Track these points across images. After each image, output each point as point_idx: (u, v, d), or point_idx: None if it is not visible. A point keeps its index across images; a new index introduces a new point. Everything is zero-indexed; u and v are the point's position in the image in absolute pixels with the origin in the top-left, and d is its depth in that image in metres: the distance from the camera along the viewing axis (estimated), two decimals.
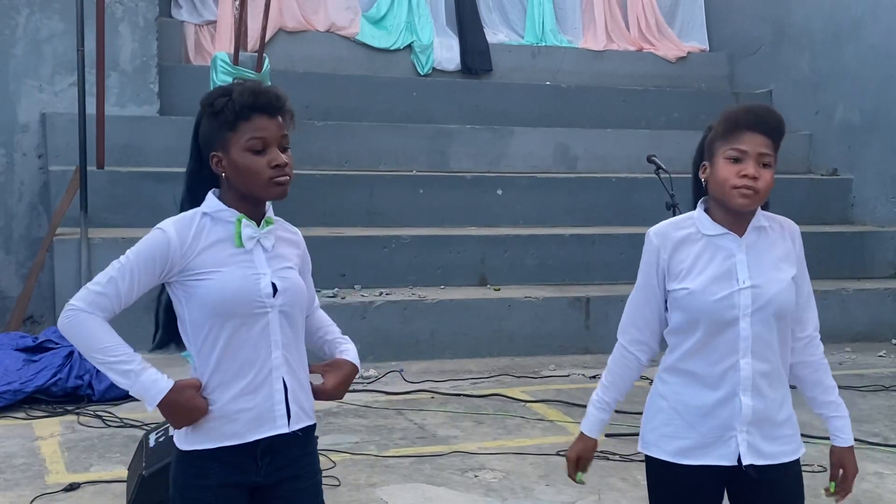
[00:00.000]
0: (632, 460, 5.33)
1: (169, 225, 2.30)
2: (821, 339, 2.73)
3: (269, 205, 2.43)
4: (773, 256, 2.61)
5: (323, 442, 5.47)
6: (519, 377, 7.31)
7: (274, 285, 2.34)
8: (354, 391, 6.73)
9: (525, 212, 9.50)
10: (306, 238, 8.78)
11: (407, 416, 6.20)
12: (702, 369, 2.58)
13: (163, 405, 2.25)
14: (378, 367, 7.36)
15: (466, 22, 11.33)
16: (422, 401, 6.58)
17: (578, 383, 7.17)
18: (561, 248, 8.97)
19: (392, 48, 10.99)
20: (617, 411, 6.58)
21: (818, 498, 3.50)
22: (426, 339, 7.84)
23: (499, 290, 8.46)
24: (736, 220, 2.57)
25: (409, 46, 11.06)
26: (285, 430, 2.35)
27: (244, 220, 2.33)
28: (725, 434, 2.58)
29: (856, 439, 5.79)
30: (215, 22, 10.27)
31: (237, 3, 8.09)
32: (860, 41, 10.18)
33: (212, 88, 7.95)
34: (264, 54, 8.10)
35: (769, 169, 2.52)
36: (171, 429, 2.44)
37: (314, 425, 2.48)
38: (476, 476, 5.08)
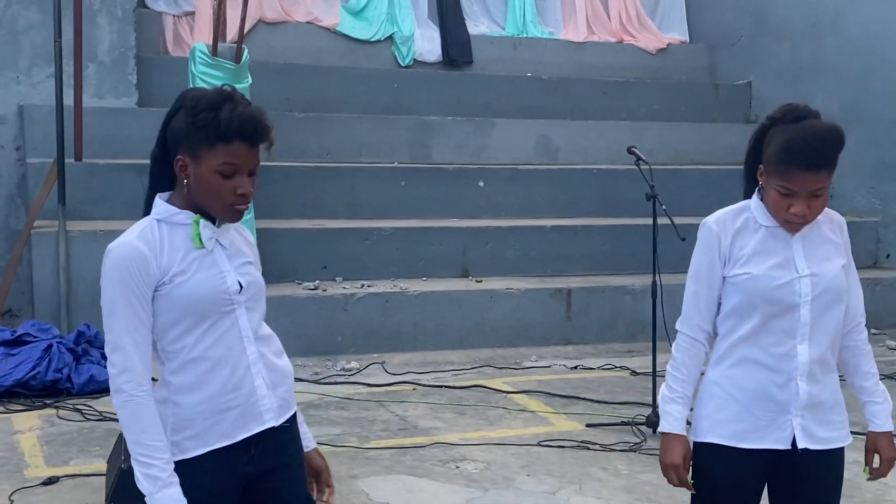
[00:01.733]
0: (612, 450, 5.38)
1: (132, 240, 2.25)
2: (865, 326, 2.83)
3: None
4: (825, 247, 2.69)
5: None
6: (501, 368, 7.33)
7: (239, 282, 2.32)
8: (337, 383, 6.77)
9: (507, 203, 9.50)
10: (288, 230, 8.79)
11: (388, 408, 6.21)
12: (758, 354, 2.64)
13: None
14: (360, 360, 7.38)
15: (448, 13, 11.31)
16: (403, 392, 6.59)
17: (560, 374, 7.21)
18: (542, 240, 8.99)
19: (373, 39, 10.96)
20: (598, 401, 6.67)
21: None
22: (408, 330, 7.85)
23: (480, 281, 8.47)
24: (793, 231, 2.65)
25: (390, 38, 11.03)
26: (274, 423, 2.35)
27: (202, 221, 2.29)
28: (780, 418, 2.63)
29: None
30: (194, 13, 10.22)
31: None
32: (840, 33, 10.23)
33: (197, 84, 7.94)
34: (243, 45, 8.05)
35: (821, 197, 2.57)
36: None
37: (294, 414, 2.48)
38: (457, 467, 5.10)
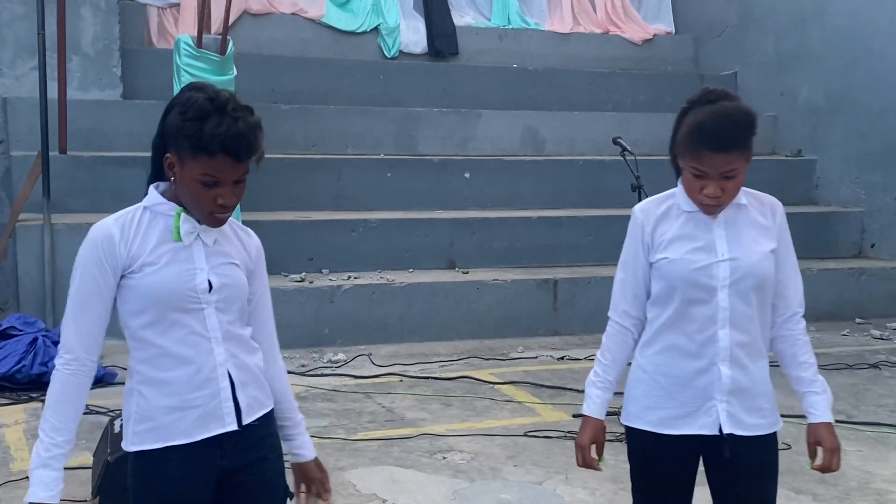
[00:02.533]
0: None
1: (112, 222, 2.24)
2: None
3: None
4: (751, 231, 2.67)
5: None
6: (487, 359, 7.33)
7: (210, 282, 2.25)
8: (324, 375, 6.77)
9: (493, 195, 9.51)
10: (273, 222, 8.75)
11: (375, 400, 6.20)
12: (681, 340, 2.64)
13: None
14: (347, 351, 7.38)
15: (433, 4, 11.30)
16: (390, 384, 6.59)
17: (547, 365, 7.22)
18: (529, 231, 9.00)
19: (358, 31, 10.95)
20: (579, 391, 6.64)
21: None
22: (395, 322, 7.85)
23: (467, 272, 8.48)
24: (709, 213, 2.64)
25: (376, 29, 11.03)
26: (234, 427, 2.29)
27: (183, 215, 2.24)
28: (706, 404, 2.63)
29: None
30: (178, 4, 10.20)
31: None
32: (824, 23, 10.26)
33: (182, 77, 7.85)
34: (228, 37, 8.02)
35: (734, 179, 2.55)
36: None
37: (270, 411, 2.43)
38: (444, 458, 5.10)
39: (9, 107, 8.67)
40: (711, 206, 2.59)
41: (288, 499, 2.49)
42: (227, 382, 2.28)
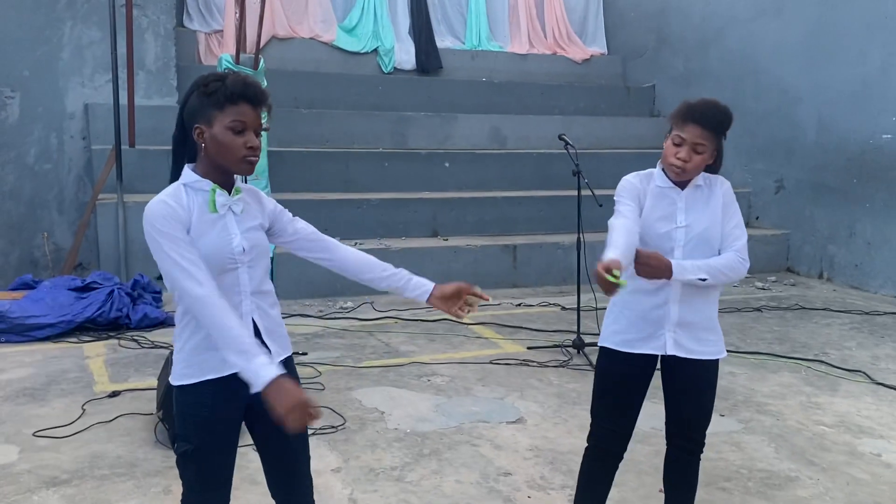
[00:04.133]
0: (546, 366, 5.45)
1: (164, 197, 2.12)
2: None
3: (237, 177, 2.25)
4: (703, 205, 2.73)
5: (311, 357, 5.54)
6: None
7: (243, 245, 2.18)
8: (336, 318, 6.79)
9: (467, 180, 9.52)
10: (296, 201, 8.70)
11: (376, 337, 6.24)
12: (645, 283, 2.67)
13: (268, 391, 1.99)
14: (354, 300, 7.40)
15: (421, 30, 11.25)
16: (388, 325, 6.63)
17: (507, 310, 7.27)
18: (494, 208, 9.02)
19: (362, 52, 10.88)
20: (536, 330, 6.66)
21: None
22: None
23: (447, 240, 8.50)
24: (680, 178, 2.69)
25: (376, 50, 10.96)
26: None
27: (217, 190, 2.16)
28: (657, 332, 2.70)
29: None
30: (221, 31, 10.11)
31: (237, 15, 7.93)
32: (722, 47, 10.28)
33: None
34: (260, 56, 7.97)
35: (702, 154, 2.63)
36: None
37: (290, 356, 2.34)
38: (429, 380, 5.15)
39: (90, 111, 8.60)
40: (678, 169, 2.64)
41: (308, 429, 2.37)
42: (252, 328, 2.20)
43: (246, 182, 6.74)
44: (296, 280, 7.58)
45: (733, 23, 10.09)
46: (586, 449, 2.90)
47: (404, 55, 11.11)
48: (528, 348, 5.90)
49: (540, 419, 4.46)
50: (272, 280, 7.40)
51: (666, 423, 2.88)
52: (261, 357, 2.02)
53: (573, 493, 2.98)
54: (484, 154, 9.89)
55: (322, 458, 3.88)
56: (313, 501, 2.43)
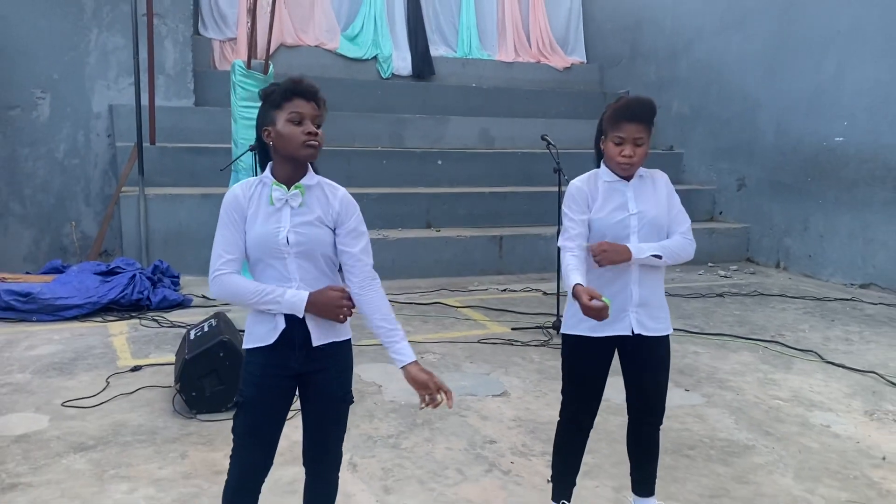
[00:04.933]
0: (528, 345, 5.46)
1: (237, 187, 2.27)
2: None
3: (311, 174, 2.28)
4: (649, 194, 2.73)
5: None
6: (453, 291, 7.38)
7: (287, 238, 2.20)
8: None
9: (458, 176, 9.50)
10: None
11: None
12: (606, 271, 2.67)
13: (308, 309, 2.18)
14: None
15: (416, 40, 11.19)
16: None
17: (494, 294, 7.28)
18: (483, 202, 9.02)
19: (363, 58, 10.83)
20: (520, 312, 6.65)
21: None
22: (389, 265, 7.87)
23: (439, 231, 8.49)
24: (628, 173, 2.70)
25: (375, 57, 10.91)
26: (271, 341, 2.25)
27: (275, 185, 2.23)
28: (622, 313, 2.69)
29: (682, 330, 5.94)
30: (234, 38, 10.05)
31: (249, 24, 7.87)
32: (690, 57, 10.27)
33: (236, 90, 7.74)
34: (269, 62, 7.90)
35: (642, 146, 2.64)
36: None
37: (343, 341, 2.34)
38: (422, 357, 5.12)
39: (114, 111, 8.55)
40: (626, 165, 2.65)
41: (346, 403, 2.39)
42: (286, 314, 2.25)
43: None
44: None
45: (701, 35, 10.08)
46: (559, 424, 2.89)
47: (401, 62, 11.07)
48: (513, 329, 5.91)
49: (522, 393, 4.46)
50: None
51: (628, 400, 2.86)
52: (287, 292, 2.19)
53: (551, 459, 2.98)
54: (473, 153, 9.87)
55: None
56: (336, 477, 2.45)
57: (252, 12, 7.76)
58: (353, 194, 8.75)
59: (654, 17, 11.00)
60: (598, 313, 2.42)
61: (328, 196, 2.30)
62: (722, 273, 8.50)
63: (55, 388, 4.38)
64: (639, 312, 2.70)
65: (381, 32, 10.97)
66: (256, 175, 6.26)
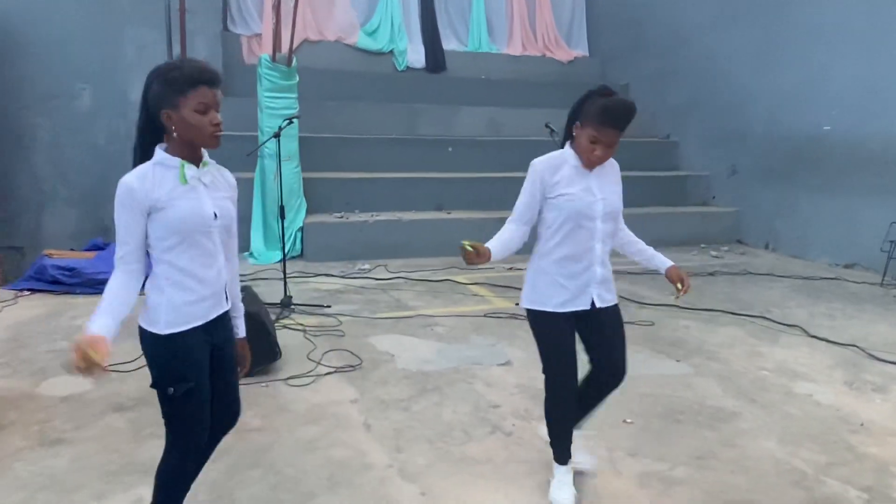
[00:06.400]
0: None
1: (129, 178, 2.02)
2: (653, 244, 2.90)
3: (204, 151, 2.16)
4: (609, 182, 2.71)
5: (334, 309, 5.56)
6: (462, 269, 7.37)
7: (214, 212, 2.12)
8: (356, 278, 6.81)
9: (468, 162, 9.47)
10: (324, 179, 8.67)
11: (389, 294, 6.26)
12: (572, 250, 2.67)
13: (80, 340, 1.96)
14: (371, 263, 7.42)
15: (430, 35, 11.13)
16: (399, 284, 6.64)
17: (500, 272, 7.27)
18: (491, 186, 8.99)
19: (381, 52, 10.79)
20: (519, 288, 6.62)
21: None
22: (402, 245, 7.90)
23: (450, 213, 8.49)
24: (590, 168, 2.66)
25: (391, 51, 10.86)
26: (228, 307, 2.24)
27: (186, 165, 2.09)
28: (585, 290, 2.70)
29: (673, 305, 5.91)
30: (261, 34, 10.02)
31: (274, 21, 7.84)
32: (687, 51, 10.14)
33: (263, 83, 7.74)
34: (293, 55, 7.89)
35: (613, 147, 2.59)
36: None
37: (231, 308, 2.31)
38: (432, 329, 5.16)
39: None
40: (595, 163, 2.62)
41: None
42: (225, 280, 2.21)
43: (280, 164, 6.63)
44: (322, 246, 7.60)
45: (698, 30, 9.95)
46: (550, 396, 2.82)
47: (416, 55, 11.02)
48: (516, 304, 5.90)
49: (525, 362, 4.48)
50: (300, 247, 7.41)
51: (597, 365, 2.82)
52: (97, 320, 1.98)
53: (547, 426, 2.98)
54: (482, 140, 9.83)
55: (342, 392, 3.91)
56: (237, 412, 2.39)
57: (276, 9, 7.74)
58: (369, 179, 8.70)
59: (654, 13, 10.86)
60: (467, 255, 2.54)
61: (224, 177, 2.23)
62: (714, 254, 8.44)
63: None
64: (599, 288, 2.71)
65: (397, 27, 10.92)
66: (279, 160, 6.18)
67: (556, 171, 2.66)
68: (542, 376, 2.82)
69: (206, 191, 2.13)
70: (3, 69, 7.90)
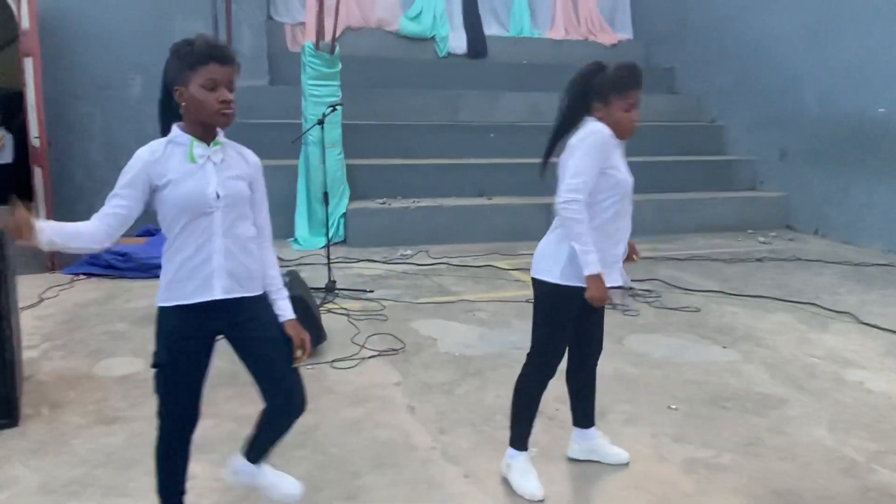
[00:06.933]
0: None
1: (143, 149, 2.08)
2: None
3: (220, 133, 2.13)
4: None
5: (377, 294, 5.61)
6: (503, 255, 7.36)
7: (217, 192, 2.07)
8: (397, 263, 6.83)
9: (509, 148, 9.39)
10: (367, 165, 8.74)
11: (430, 279, 6.28)
12: (611, 228, 2.63)
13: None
14: (413, 249, 7.45)
15: (471, 21, 11.07)
16: (440, 269, 6.65)
17: None
18: (532, 172, 8.69)
19: (422, 37, 10.78)
20: None
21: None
22: (444, 230, 7.90)
23: (491, 199, 8.46)
24: (629, 136, 2.63)
25: (433, 37, 10.83)
26: (220, 296, 2.10)
27: (195, 142, 2.07)
28: (615, 266, 2.66)
29: (720, 291, 5.80)
30: (304, 22, 10.09)
31: (317, 9, 7.89)
32: (734, 33, 9.86)
33: (306, 70, 7.85)
34: (336, 42, 7.93)
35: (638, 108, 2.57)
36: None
37: (259, 295, 2.20)
38: (474, 315, 5.17)
39: None
40: (634, 130, 2.58)
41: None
42: (219, 264, 2.10)
43: (324, 151, 6.69)
44: (364, 232, 7.66)
45: (745, 10, 9.65)
46: (534, 374, 2.74)
47: (457, 42, 10.96)
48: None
49: None
50: (343, 233, 7.42)
51: (578, 344, 2.81)
52: (45, 228, 1.96)
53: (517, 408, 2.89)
54: (524, 126, 9.74)
55: (385, 375, 3.96)
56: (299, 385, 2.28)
57: None
58: (411, 165, 8.72)
59: None
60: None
61: (243, 156, 2.20)
62: (761, 240, 8.24)
63: (149, 336, 4.48)
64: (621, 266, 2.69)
65: (438, 14, 10.88)
66: (323, 147, 6.23)
67: (609, 145, 2.60)
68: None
69: (215, 169, 2.09)
70: (59, 60, 8.12)
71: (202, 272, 2.09)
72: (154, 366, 2.15)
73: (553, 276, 2.63)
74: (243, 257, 2.15)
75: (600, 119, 2.58)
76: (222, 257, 2.10)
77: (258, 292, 2.20)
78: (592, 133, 2.54)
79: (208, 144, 2.10)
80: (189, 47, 2.03)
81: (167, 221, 2.09)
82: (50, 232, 1.98)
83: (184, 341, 2.12)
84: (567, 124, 2.63)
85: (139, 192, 2.06)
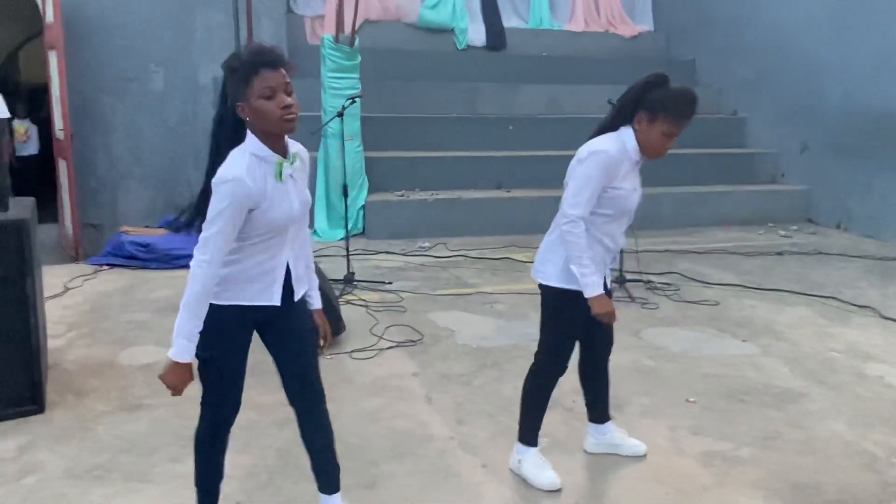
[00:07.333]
0: None
1: (244, 174, 1.94)
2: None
3: (289, 140, 2.10)
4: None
5: (395, 286, 5.62)
6: (521, 247, 7.30)
7: (299, 208, 2.10)
8: (416, 255, 6.85)
9: (527, 141, 9.36)
10: (386, 158, 8.79)
11: (449, 271, 6.29)
12: (606, 239, 2.64)
13: (171, 364, 2.04)
14: (431, 241, 7.46)
15: (490, 13, 11.02)
16: (458, 261, 6.65)
17: None
18: (550, 165, 8.77)
19: (441, 29, 10.75)
20: None
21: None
22: (462, 222, 7.90)
23: (509, 191, 8.44)
24: (651, 160, 2.60)
25: (452, 30, 10.80)
26: (278, 303, 2.13)
27: (284, 163, 2.03)
28: (603, 272, 2.68)
29: (739, 285, 5.77)
30: (323, 16, 10.12)
31: (337, 1, 7.90)
32: (755, 24, 9.73)
33: (325, 62, 7.86)
34: (356, 35, 7.95)
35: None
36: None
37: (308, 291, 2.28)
38: (492, 307, 5.17)
39: (218, 84, 8.69)
40: (660, 157, 2.56)
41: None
42: (284, 274, 2.13)
43: (344, 143, 6.70)
44: (383, 224, 7.68)
45: (767, 1, 9.53)
46: (544, 375, 2.74)
47: (476, 34, 10.91)
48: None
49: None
50: (361, 225, 7.48)
51: (590, 340, 2.82)
52: (180, 342, 2.03)
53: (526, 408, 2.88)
54: (542, 119, 9.70)
55: (404, 366, 3.97)
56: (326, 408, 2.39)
57: None
58: (429, 158, 8.74)
59: None
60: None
61: (302, 159, 2.16)
62: (782, 233, 8.14)
63: (170, 326, 4.58)
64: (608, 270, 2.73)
65: (457, 7, 10.84)
66: (343, 139, 6.24)
67: (620, 162, 2.54)
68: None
69: (294, 185, 2.09)
70: (83, 53, 8.21)
71: (267, 279, 2.11)
72: (201, 359, 2.14)
73: (552, 279, 2.64)
74: (300, 263, 2.20)
75: (638, 131, 2.52)
76: (288, 267, 2.14)
77: (305, 289, 2.25)
78: (598, 152, 2.51)
79: (284, 156, 2.06)
80: (237, 61, 1.99)
81: (245, 234, 2.02)
82: (193, 340, 2.03)
83: (234, 336, 2.14)
84: (609, 125, 2.60)
85: (241, 221, 1.99)
